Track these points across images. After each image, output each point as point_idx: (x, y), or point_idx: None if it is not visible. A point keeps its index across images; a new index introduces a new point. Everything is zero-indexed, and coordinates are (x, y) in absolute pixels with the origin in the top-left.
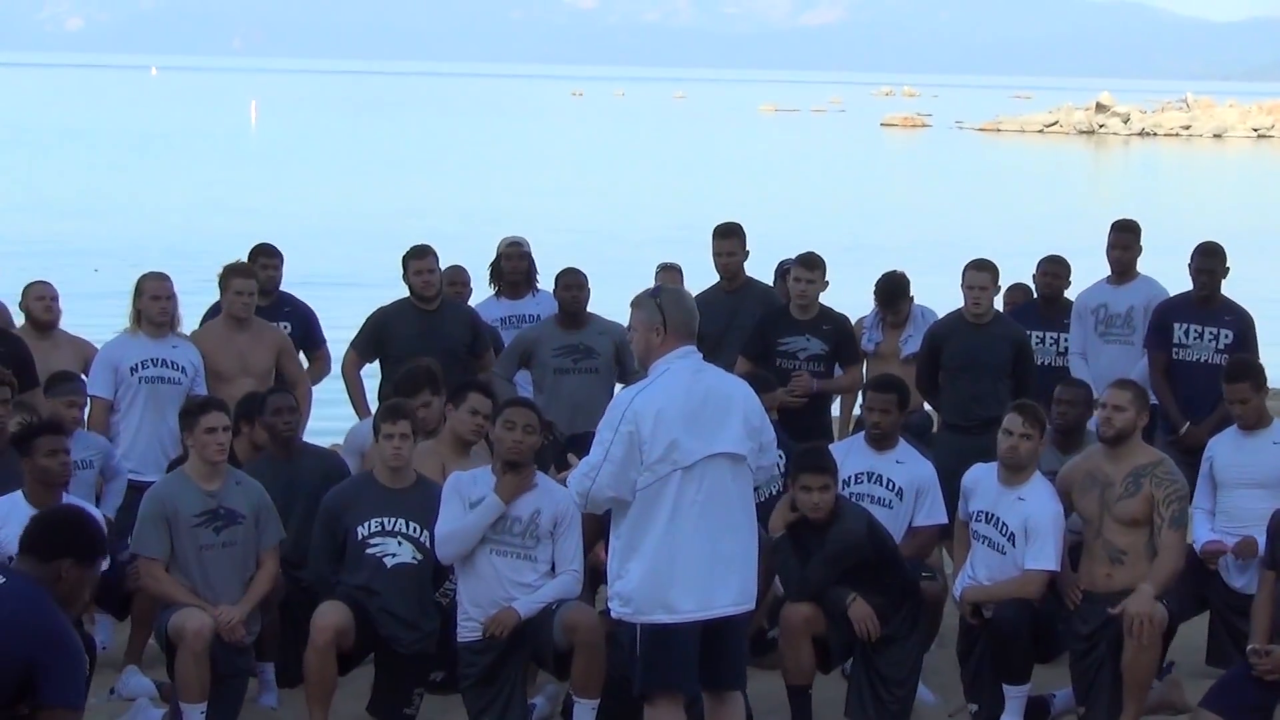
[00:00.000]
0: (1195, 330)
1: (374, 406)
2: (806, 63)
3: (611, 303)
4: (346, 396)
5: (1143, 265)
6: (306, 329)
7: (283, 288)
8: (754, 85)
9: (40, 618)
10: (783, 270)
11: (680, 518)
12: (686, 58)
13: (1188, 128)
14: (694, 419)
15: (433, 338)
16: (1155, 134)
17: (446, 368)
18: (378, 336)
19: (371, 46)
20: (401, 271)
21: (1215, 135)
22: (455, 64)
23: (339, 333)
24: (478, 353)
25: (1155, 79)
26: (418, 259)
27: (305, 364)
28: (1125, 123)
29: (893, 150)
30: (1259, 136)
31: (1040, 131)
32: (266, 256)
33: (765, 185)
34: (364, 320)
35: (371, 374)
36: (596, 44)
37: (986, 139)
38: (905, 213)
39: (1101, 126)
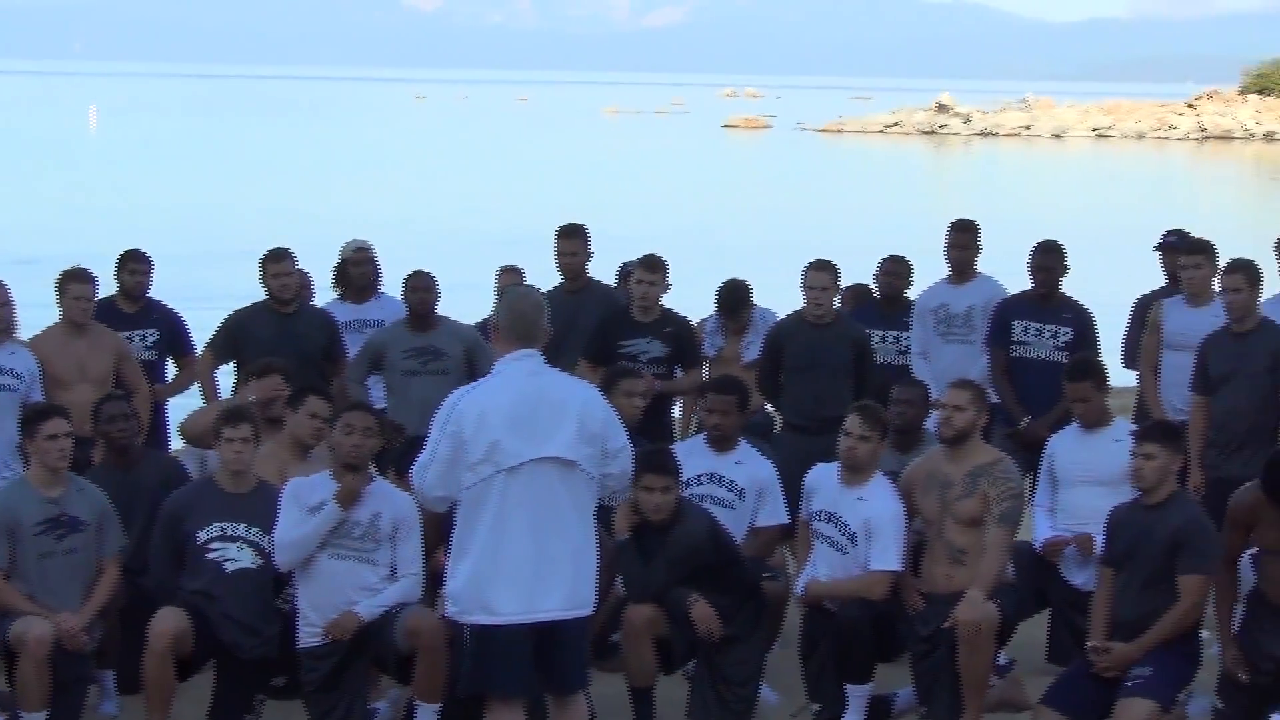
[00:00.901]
0: (1035, 328)
1: None
2: (649, 64)
3: (455, 305)
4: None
5: (983, 264)
6: (174, 336)
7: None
8: (597, 87)
9: None
10: (625, 272)
11: (505, 520)
12: (530, 60)
13: (1028, 128)
14: (521, 421)
15: (289, 341)
16: (996, 134)
17: (302, 371)
18: (234, 338)
19: (213, 50)
20: (259, 274)
21: (1055, 135)
22: (297, 67)
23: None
24: (334, 358)
25: (995, 79)
26: (275, 262)
27: (175, 370)
28: (966, 123)
29: (735, 151)
30: (1098, 136)
31: (882, 132)
32: (135, 262)
33: (608, 187)
34: (221, 321)
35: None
36: (439, 47)
37: (829, 140)
38: (748, 213)
39: (943, 127)
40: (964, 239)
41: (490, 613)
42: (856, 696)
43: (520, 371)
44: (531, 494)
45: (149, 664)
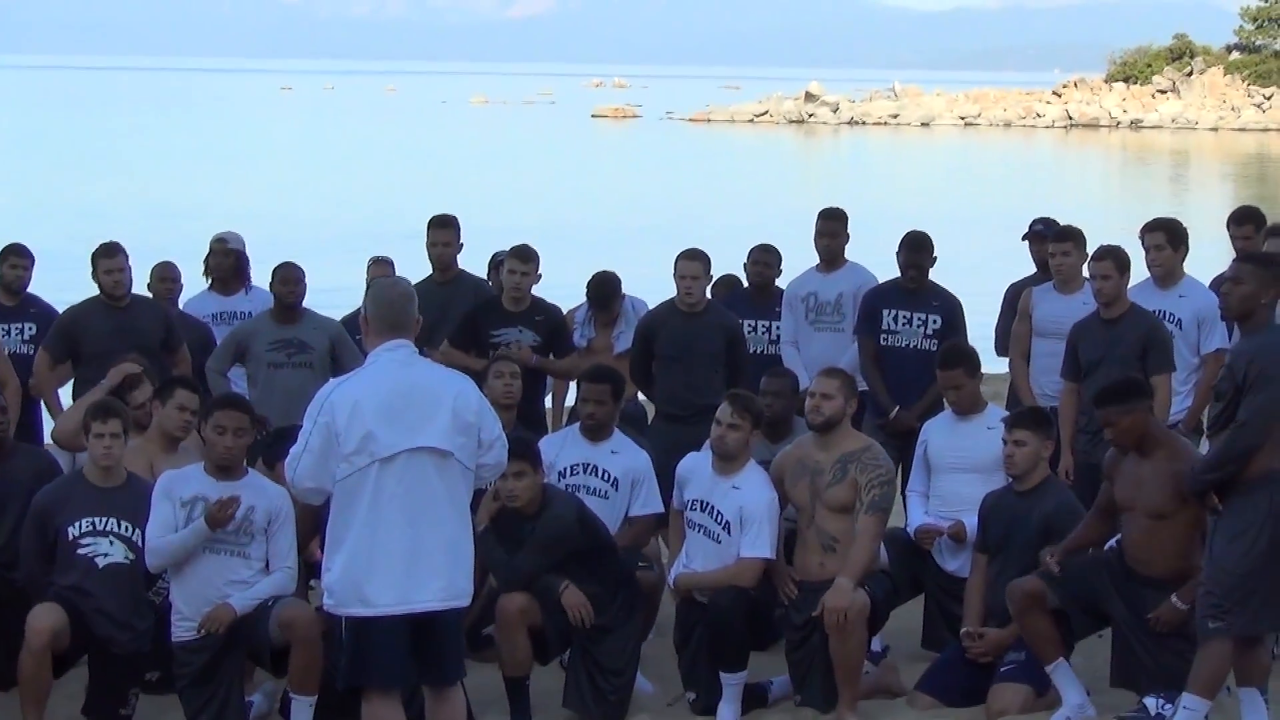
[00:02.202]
0: (904, 316)
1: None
2: (517, 55)
3: (322, 297)
4: None
5: (852, 252)
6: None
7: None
8: (464, 78)
9: None
10: (496, 262)
11: (379, 510)
12: (396, 51)
13: (896, 116)
14: (394, 412)
15: (125, 334)
16: (864, 123)
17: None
18: (69, 335)
19: (74, 41)
20: (91, 270)
21: (923, 123)
22: (161, 59)
23: None
24: (171, 348)
25: (863, 68)
26: (106, 258)
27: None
28: (834, 112)
29: (604, 140)
30: (966, 124)
31: (751, 121)
32: (17, 256)
33: (478, 177)
34: (54, 322)
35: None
36: (305, 38)
37: (697, 129)
38: (618, 202)
39: (811, 116)
40: (832, 227)
41: (367, 604)
42: (731, 684)
43: (393, 362)
44: (406, 484)
45: (26, 661)
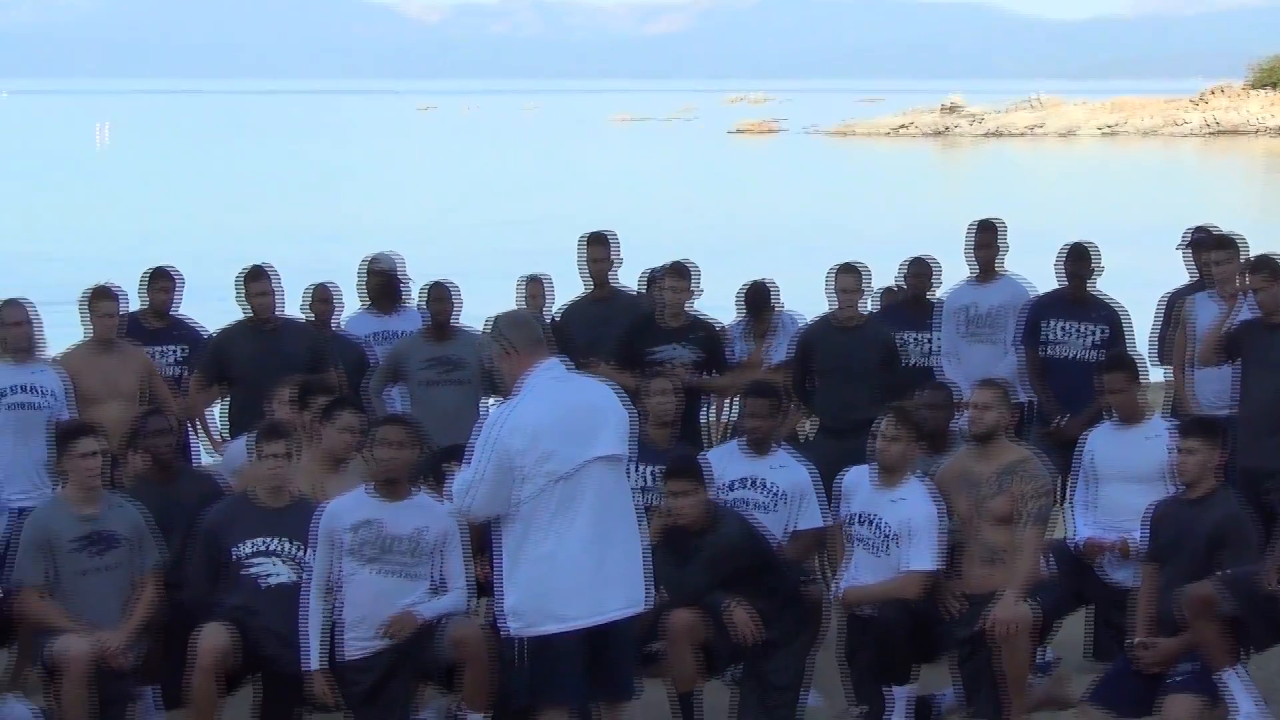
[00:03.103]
0: (1066, 327)
1: (222, 429)
2: (654, 71)
3: (480, 316)
4: None
5: (1005, 263)
6: (200, 351)
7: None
8: (603, 95)
9: None
10: (652, 278)
11: (563, 526)
12: (533, 69)
13: (1037, 127)
14: (567, 427)
15: (272, 356)
16: (1005, 134)
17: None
18: (219, 357)
19: (214, 65)
20: (239, 293)
21: (1064, 134)
22: (301, 81)
23: None
24: (320, 370)
25: (1000, 79)
26: (254, 281)
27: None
28: (975, 123)
29: (749, 155)
30: (1107, 133)
31: (891, 134)
32: (163, 279)
33: (625, 195)
34: (206, 343)
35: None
36: (443, 58)
37: (839, 143)
38: (767, 217)
39: (953, 127)
40: (987, 238)
41: (560, 620)
42: (899, 698)
43: (553, 380)
44: (587, 497)
45: (195, 680)
